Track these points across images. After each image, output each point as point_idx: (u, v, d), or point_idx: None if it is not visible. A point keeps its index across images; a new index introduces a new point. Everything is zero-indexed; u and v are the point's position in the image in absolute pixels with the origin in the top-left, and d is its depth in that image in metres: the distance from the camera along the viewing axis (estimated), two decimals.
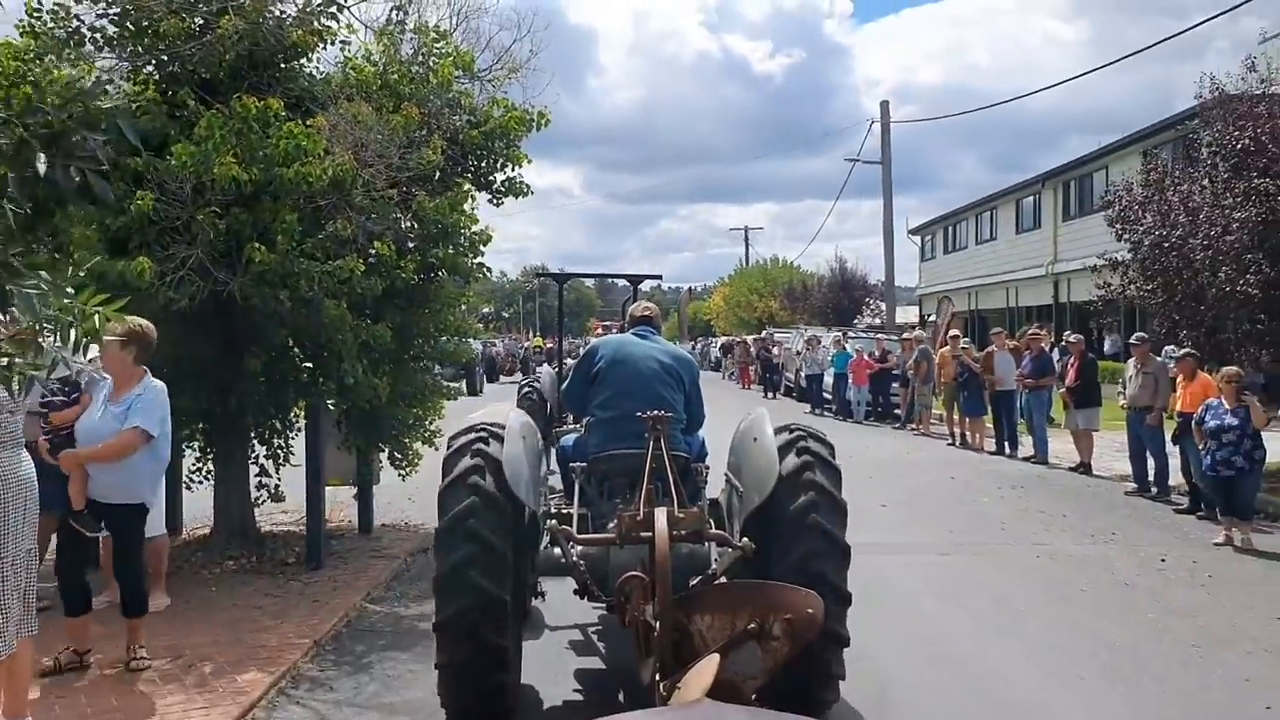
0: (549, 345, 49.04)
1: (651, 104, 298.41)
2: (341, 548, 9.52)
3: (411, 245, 9.16)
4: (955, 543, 10.08)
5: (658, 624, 4.35)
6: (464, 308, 10.28)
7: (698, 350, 66.73)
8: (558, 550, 5.34)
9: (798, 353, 30.93)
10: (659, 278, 14.95)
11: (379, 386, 8.50)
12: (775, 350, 33.28)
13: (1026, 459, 16.79)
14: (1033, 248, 35.65)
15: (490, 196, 10.33)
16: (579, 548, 5.25)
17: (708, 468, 6.18)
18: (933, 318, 44.13)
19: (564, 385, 6.90)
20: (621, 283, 14.92)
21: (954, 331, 21.15)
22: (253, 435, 9.24)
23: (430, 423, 9.99)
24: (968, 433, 19.04)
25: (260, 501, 9.43)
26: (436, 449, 9.99)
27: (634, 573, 4.59)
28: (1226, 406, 10.21)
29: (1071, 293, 33.13)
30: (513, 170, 10.18)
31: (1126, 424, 13.70)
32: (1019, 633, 7.12)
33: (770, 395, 32.88)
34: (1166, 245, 13.15)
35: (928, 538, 10.32)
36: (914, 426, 21.79)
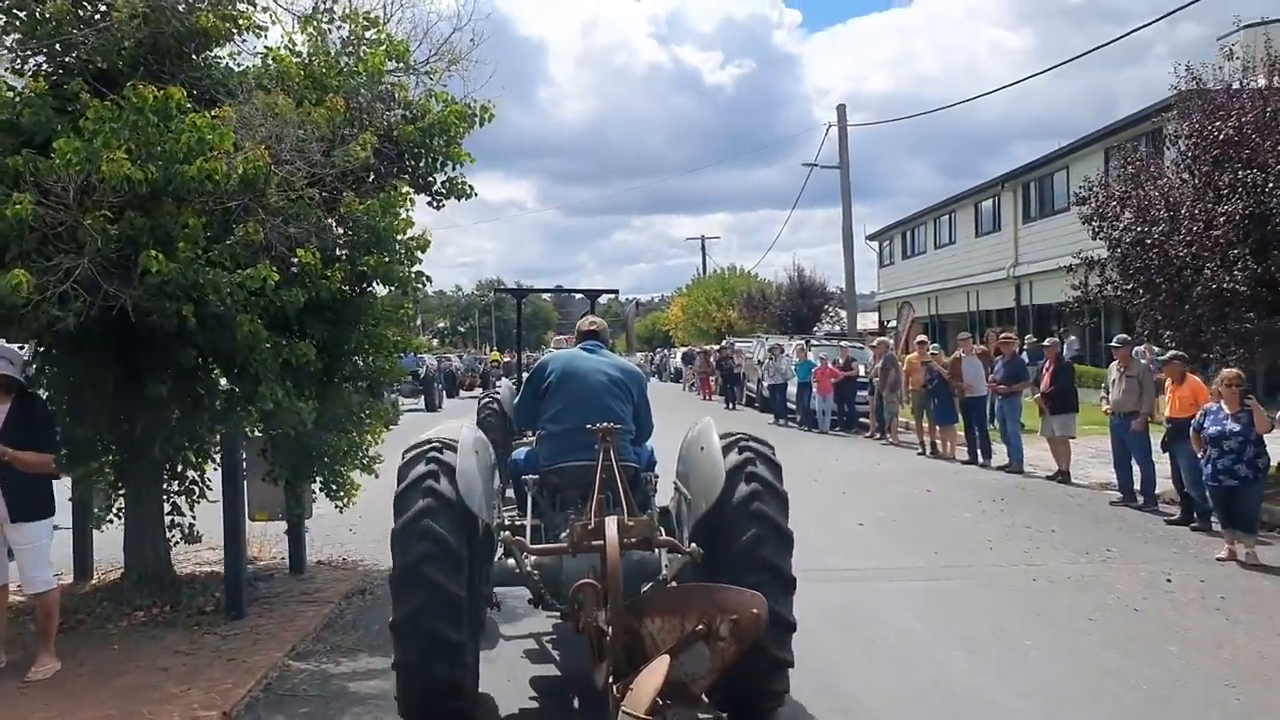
0: (507, 360, 49.00)
1: (603, 115, 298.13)
2: (269, 590, 8.56)
3: (340, 253, 8.26)
4: (943, 565, 9.31)
5: (610, 629, 4.48)
6: (405, 320, 9.37)
7: (657, 361, 66.20)
8: (512, 561, 5.48)
9: (760, 362, 30.22)
10: (615, 292, 14.50)
11: (304, 411, 7.57)
12: (737, 360, 32.50)
13: (1001, 468, 16.13)
14: (993, 251, 35.24)
15: (430, 199, 9.46)
16: (533, 558, 5.37)
17: (657, 477, 6.31)
18: (893, 324, 43.75)
19: (515, 400, 7.00)
20: (579, 296, 15.04)
21: (921, 337, 20.47)
22: (166, 469, 8.27)
23: (368, 448, 9.07)
24: (938, 441, 18.37)
25: (176, 542, 8.45)
26: (376, 476, 9.11)
27: (587, 580, 4.71)
28: (1227, 411, 9.53)
29: (1034, 295, 32.73)
30: (454, 169, 9.32)
31: (1110, 430, 13.05)
32: (1028, 672, 6.33)
33: (731, 406, 32.12)
34: (1149, 242, 12.50)
35: (912, 560, 9.54)
36: (879, 436, 21.10)
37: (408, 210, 8.56)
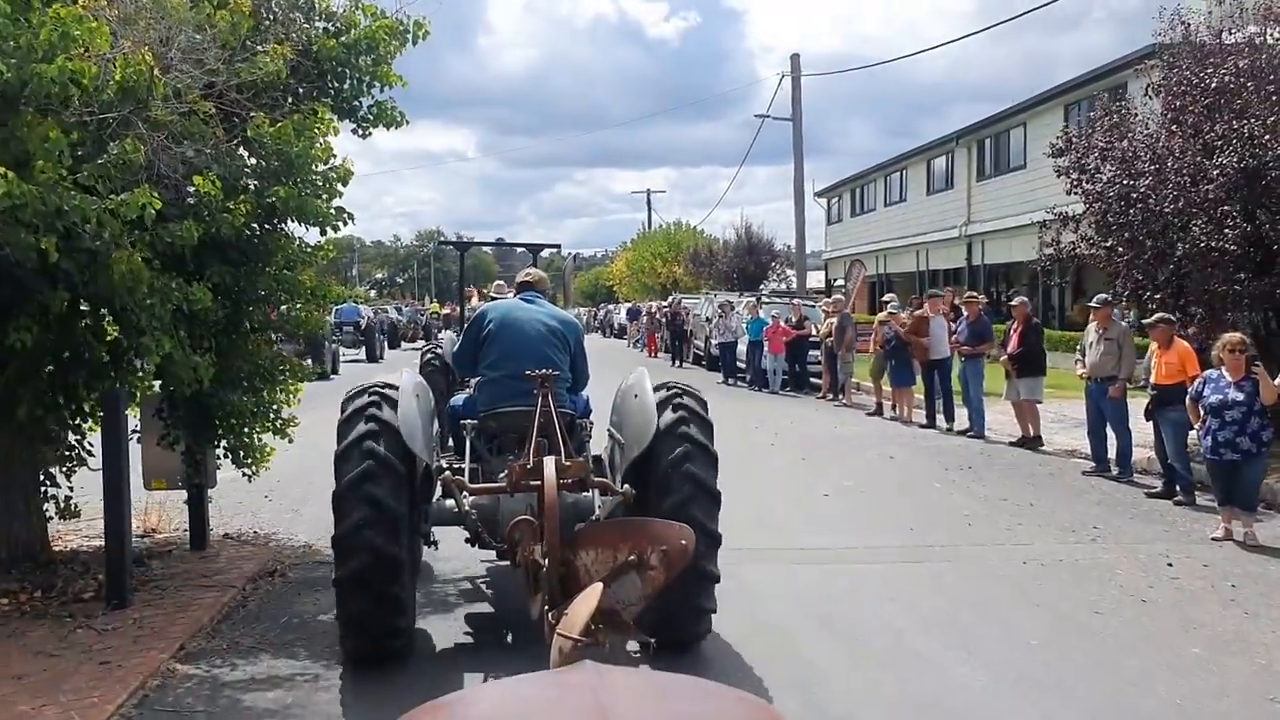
0: (447, 311, 48.85)
1: (545, 66, 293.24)
2: (164, 571, 7.46)
3: (247, 183, 7.11)
4: (922, 545, 8.47)
5: (546, 562, 4.72)
6: (325, 264, 8.27)
7: (600, 317, 65.12)
8: (451, 501, 5.76)
9: (708, 319, 29.31)
10: (558, 247, 14.44)
11: (201, 366, 6.47)
12: (687, 316, 31.53)
13: (961, 432, 15.41)
14: (945, 209, 34.57)
15: (355, 125, 8.32)
16: (471, 498, 5.56)
17: (592, 424, 6.57)
18: (839, 282, 43.13)
19: (455, 348, 7.11)
20: (520, 250, 14.95)
21: (888, 296, 19.63)
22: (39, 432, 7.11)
23: (280, 408, 7.99)
24: (895, 404, 17.63)
25: (51, 517, 7.32)
26: (290, 441, 8.05)
27: (524, 517, 5.04)
28: (1229, 379, 8.77)
29: (986, 255, 32.17)
30: (382, 92, 8.19)
31: (1085, 396, 12.32)
32: (1041, 681, 5.47)
33: (679, 364, 31.23)
34: (1134, 197, 11.71)
35: (888, 539, 8.68)
36: (832, 397, 20.33)
37: (327, 136, 7.44)
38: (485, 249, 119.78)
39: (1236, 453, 8.60)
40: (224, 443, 7.82)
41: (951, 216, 33.71)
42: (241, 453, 7.92)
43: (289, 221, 7.58)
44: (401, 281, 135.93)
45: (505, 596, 6.96)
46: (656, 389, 5.94)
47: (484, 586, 7.38)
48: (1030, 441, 14.15)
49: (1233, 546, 8.46)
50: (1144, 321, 10.99)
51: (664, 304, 38.31)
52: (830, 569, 7.66)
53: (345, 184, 7.56)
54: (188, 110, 6.00)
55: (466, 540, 5.94)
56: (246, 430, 7.87)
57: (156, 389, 7.22)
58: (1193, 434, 10.85)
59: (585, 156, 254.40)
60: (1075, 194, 13.50)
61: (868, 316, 27.48)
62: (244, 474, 8.03)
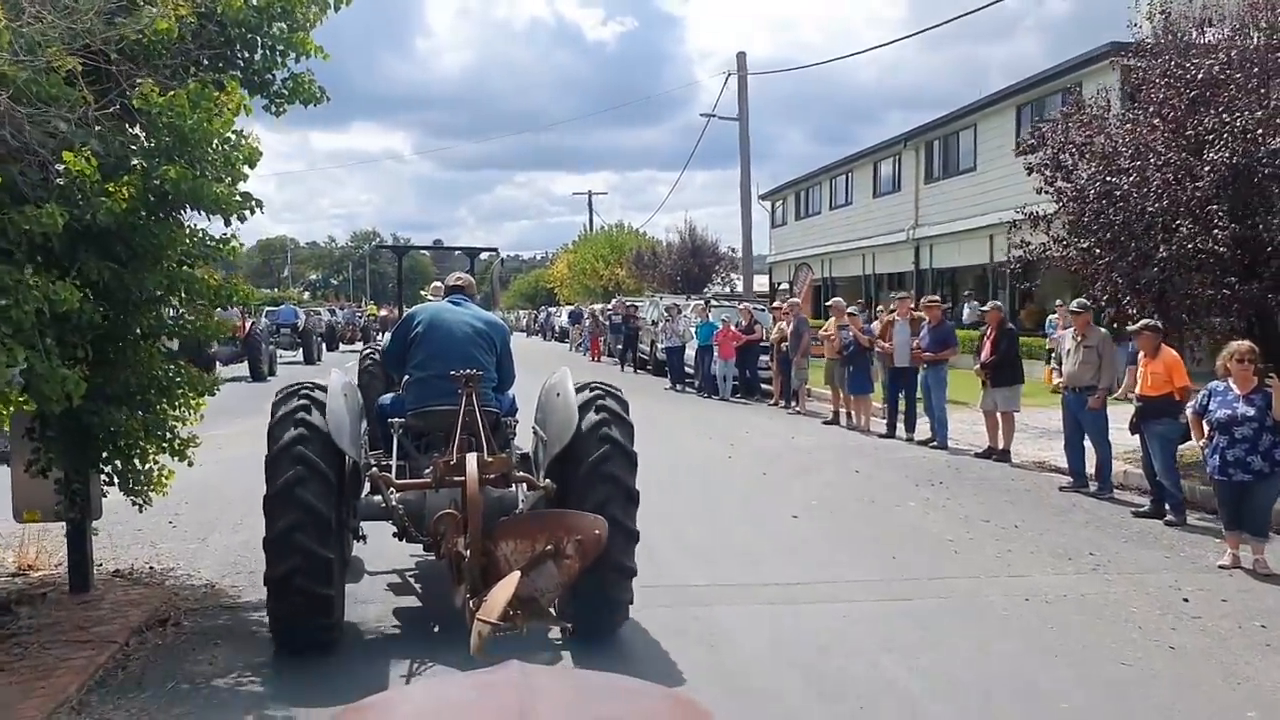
0: (384, 313, 49.26)
1: (483, 68, 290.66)
2: (35, 621, 6.31)
3: (135, 162, 6.02)
4: (908, 578, 7.58)
5: (468, 553, 5.08)
6: (230, 259, 7.16)
7: (540, 320, 63.99)
8: (378, 497, 5.94)
9: (653, 323, 28.38)
10: (495, 250, 14.80)
11: (70, 379, 5.36)
12: (639, 319, 30.44)
13: (923, 443, 14.64)
14: (892, 212, 33.99)
15: (267, 101, 7.25)
16: (398, 494, 5.81)
17: (517, 421, 6.77)
18: (783, 286, 42.47)
19: (384, 348, 7.28)
20: (457, 253, 14.74)
21: (837, 300, 18.81)
22: None
23: (176, 426, 6.88)
24: (853, 412, 16.83)
25: None
26: (190, 464, 6.95)
27: (447, 510, 5.37)
28: (1237, 391, 8.03)
29: (934, 259, 31.64)
30: (298, 63, 7.12)
31: (1062, 406, 11.57)
32: None
33: (633, 369, 30.20)
34: (1117, 195, 10.98)
35: (869, 570, 7.79)
36: (785, 404, 19.49)
37: (238, 114, 6.36)
38: (423, 252, 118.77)
39: (1248, 473, 7.85)
40: (108, 467, 6.69)
41: (899, 220, 33.14)
42: (131, 479, 6.80)
43: (186, 209, 6.50)
44: (336, 283, 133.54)
45: (432, 590, 7.06)
46: (579, 389, 6.08)
47: (412, 580, 7.49)
48: (999, 454, 13.42)
49: (1244, 576, 7.70)
50: (1129, 328, 10.25)
51: (607, 307, 37.32)
52: (810, 610, 6.74)
53: (252, 165, 6.49)
54: (45, 67, 4.91)
55: (394, 535, 6.07)
56: (137, 452, 6.76)
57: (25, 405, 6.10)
58: (1184, 448, 10.20)
59: (524, 159, 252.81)
60: (1047, 193, 12.77)
61: (814, 321, 26.80)
62: (134, 504, 6.90)
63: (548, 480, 5.80)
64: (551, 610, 5.07)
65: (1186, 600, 6.99)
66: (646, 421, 17.75)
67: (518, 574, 4.75)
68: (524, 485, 5.89)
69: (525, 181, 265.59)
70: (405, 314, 6.87)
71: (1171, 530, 9.36)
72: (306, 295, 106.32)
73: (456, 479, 5.40)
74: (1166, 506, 9.83)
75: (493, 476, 5.56)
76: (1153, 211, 10.86)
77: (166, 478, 7.18)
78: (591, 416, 5.87)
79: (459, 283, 7.02)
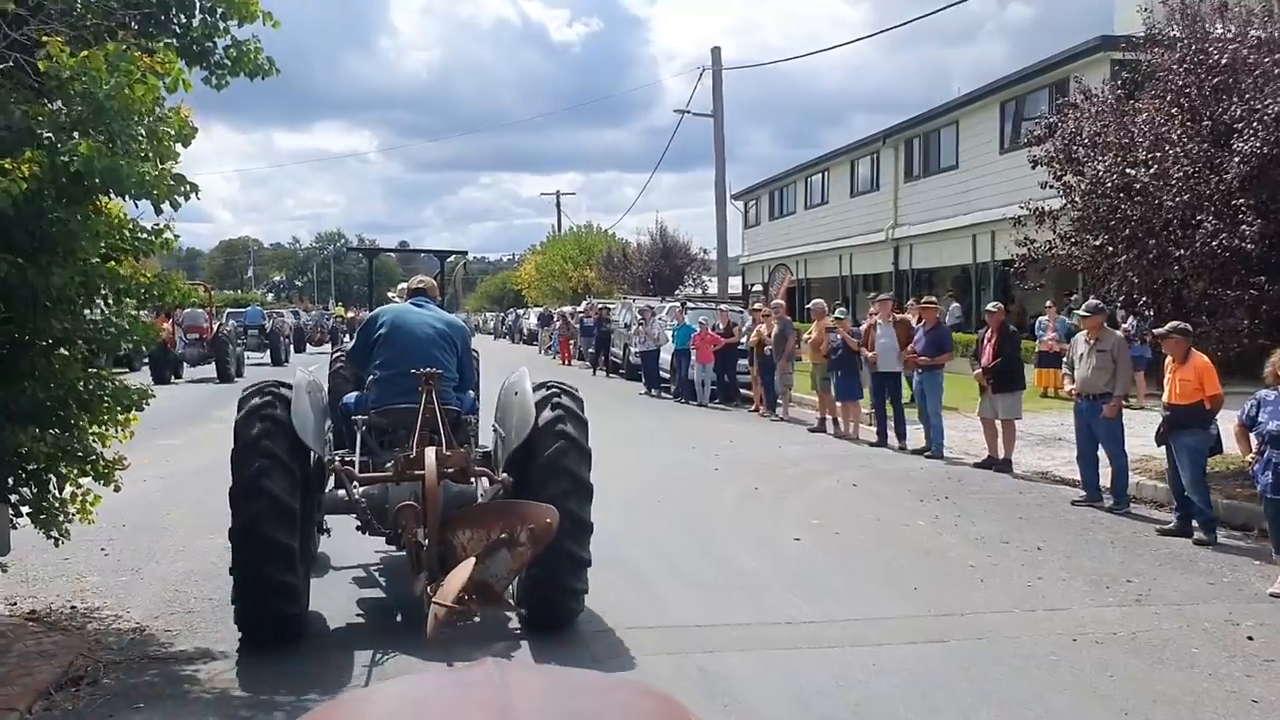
0: (352, 315, 48.98)
1: (448, 68, 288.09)
2: None
3: (43, 135, 5.09)
4: (937, 613, 6.74)
5: (426, 542, 5.36)
6: (164, 252, 6.24)
7: (508, 323, 62.97)
8: (342, 491, 6.23)
9: (626, 326, 27.51)
10: (464, 253, 15.20)
11: None
12: (612, 322, 29.54)
13: (917, 452, 13.88)
14: (870, 211, 33.31)
15: (207, 73, 6.33)
16: (361, 487, 6.05)
17: (478, 419, 6.98)
18: (756, 287, 41.67)
19: (349, 347, 7.51)
20: (423, 255, 15.47)
21: (821, 302, 18.01)
22: None
23: (94, 444, 5.94)
24: (840, 419, 16.03)
25: None
26: (117, 489, 6.01)
27: (407, 503, 5.63)
28: None
29: (914, 259, 30.97)
30: (241, 28, 6.20)
31: (1075, 415, 10.82)
32: None
33: (606, 373, 29.33)
34: (1137, 188, 10.22)
35: (892, 605, 6.93)
36: (767, 411, 18.66)
37: (161, 79, 5.43)
38: (391, 254, 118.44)
39: None
40: (17, 495, 5.74)
41: (877, 219, 32.46)
42: (45, 508, 5.85)
43: (110, 194, 5.57)
44: (301, 285, 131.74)
45: (395, 582, 7.13)
46: (536, 388, 6.32)
47: (376, 574, 7.64)
48: (1000, 464, 12.66)
49: None
50: (1156, 332, 9.50)
51: (578, 309, 36.40)
52: (833, 656, 5.88)
53: (185, 143, 5.58)
54: None
55: (357, 528, 6.28)
56: (52, 477, 5.82)
57: None
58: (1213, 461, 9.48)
59: (489, 160, 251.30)
60: (1053, 187, 12.02)
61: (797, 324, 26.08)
62: (49, 536, 5.94)
63: (505, 474, 6.02)
64: (506, 597, 5.48)
65: (1251, 639, 6.19)
66: (624, 431, 16.97)
67: (473, 560, 5.02)
68: (483, 480, 6.14)
69: (490, 183, 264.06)
70: (369, 315, 7.05)
71: (1204, 551, 8.60)
72: (270, 297, 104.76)
73: (416, 472, 5.60)
74: (1194, 524, 9.10)
75: (451, 471, 5.80)
76: (1172, 206, 10.11)
77: (92, 504, 6.26)
78: (548, 413, 6.11)
79: (421, 285, 7.24)
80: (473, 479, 6.09)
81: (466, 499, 6.08)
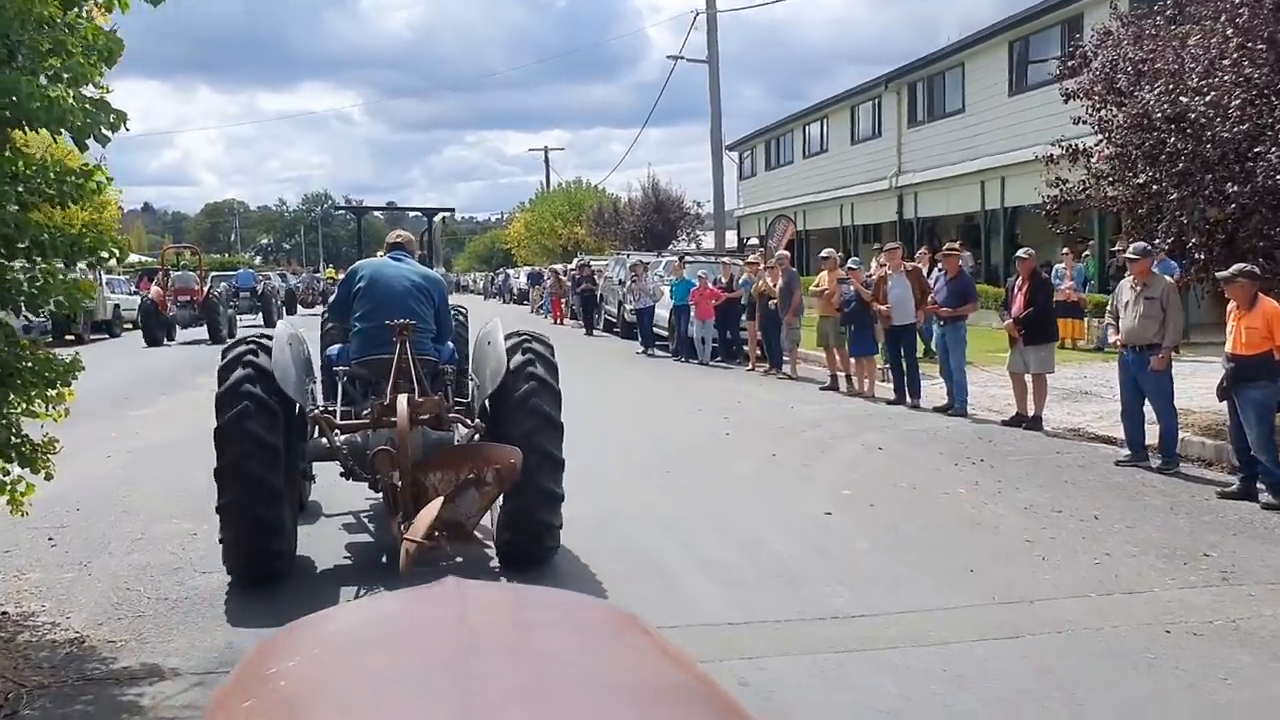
0: (342, 277, 46.50)
1: (431, 26, 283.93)
2: None
3: None
4: (1002, 600, 5.86)
5: (400, 484, 5.61)
6: (94, 197, 5.28)
7: (498, 282, 61.94)
8: (325, 439, 6.53)
9: (620, 282, 26.53)
10: (451, 210, 16.18)
11: None
12: (600, 281, 28.59)
13: (939, 409, 13.01)
14: (872, 159, 32.23)
15: None
16: (342, 435, 6.32)
17: (455, 369, 7.09)
18: (752, 240, 40.62)
19: (331, 301, 7.46)
20: (413, 214, 15.30)
21: (827, 252, 17.00)
22: None
23: (19, 422, 5.02)
24: (853, 376, 15.14)
25: None
26: (50, 474, 5.12)
27: (382, 447, 5.79)
28: None
29: (919, 207, 29.98)
30: None
31: (1120, 366, 9.95)
32: None
33: (589, 331, 28.44)
34: (1191, 117, 9.26)
35: (950, 593, 6.03)
36: (772, 369, 17.75)
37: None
38: (377, 214, 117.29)
39: None
40: None
41: (880, 167, 31.40)
42: None
43: (25, 128, 4.59)
44: (288, 247, 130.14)
45: (383, 528, 7.08)
46: (508, 337, 6.55)
47: (366, 519, 7.82)
48: (1030, 421, 11.80)
49: None
50: (1220, 275, 8.59)
51: (570, 267, 35.39)
52: (895, 660, 4.99)
53: (110, 62, 4.60)
54: None
55: (340, 474, 6.56)
56: None
57: None
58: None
59: (475, 119, 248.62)
60: (1087, 122, 11.06)
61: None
62: None
63: (478, 421, 6.42)
64: (476, 534, 5.97)
65: None
66: (623, 393, 16.03)
67: (439, 500, 5.30)
68: (460, 426, 6.36)
69: (476, 141, 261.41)
70: (349, 270, 7.11)
71: (1276, 516, 7.78)
72: (258, 260, 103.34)
73: (392, 419, 5.78)
74: (1260, 485, 8.26)
75: (426, 417, 6.00)
76: (1228, 138, 9.17)
77: (24, 493, 5.36)
78: (519, 358, 6.37)
79: (399, 239, 7.37)
80: (449, 426, 6.30)
81: (444, 445, 6.25)
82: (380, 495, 6.40)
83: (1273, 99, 9.05)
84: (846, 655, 5.01)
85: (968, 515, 7.90)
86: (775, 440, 11.13)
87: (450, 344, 7.21)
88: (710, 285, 20.02)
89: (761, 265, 18.70)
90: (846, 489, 8.76)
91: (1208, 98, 9.19)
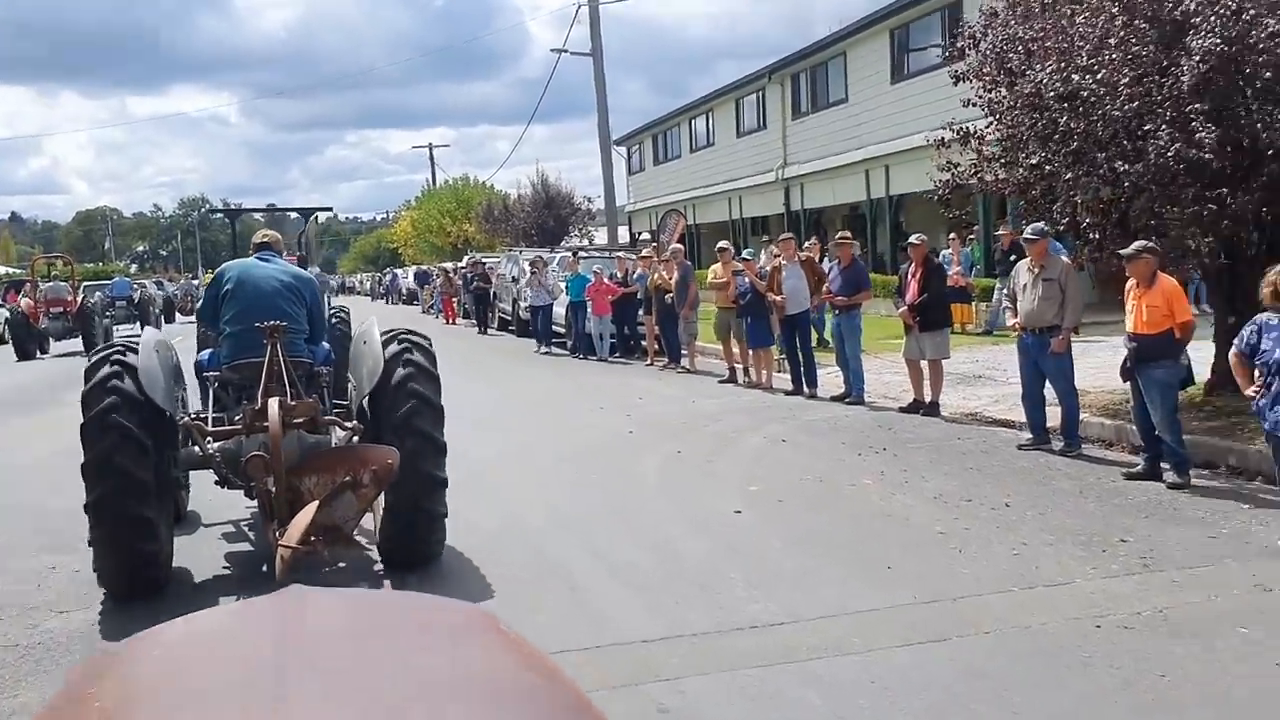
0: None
1: (307, 23, 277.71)
2: None
3: None
4: (924, 599, 5.59)
5: (275, 490, 5.51)
6: None
7: (385, 283, 60.64)
8: (198, 448, 6.31)
9: (514, 279, 25.99)
10: (330, 209, 14.86)
11: None
12: (494, 280, 27.96)
13: (837, 399, 12.90)
14: (758, 152, 32.25)
15: None
16: (215, 442, 6.19)
17: (332, 371, 7.02)
18: (644, 235, 40.38)
19: (199, 306, 7.53)
20: (294, 215, 14.79)
21: (723, 244, 16.78)
22: None
23: None
24: (751, 368, 14.95)
25: None
26: None
27: (256, 453, 5.63)
28: None
29: (805, 199, 30.07)
30: None
31: (1019, 350, 9.89)
32: None
33: (483, 331, 27.81)
34: (1084, 95, 9.19)
35: (870, 594, 5.74)
36: (671, 363, 17.47)
37: None
38: (257, 215, 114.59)
39: None
40: None
41: (766, 159, 31.43)
42: None
43: None
44: (165, 254, 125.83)
45: (263, 536, 6.79)
46: (388, 339, 6.42)
47: (246, 529, 7.58)
48: (928, 407, 11.74)
49: None
50: (1123, 253, 8.53)
51: (461, 265, 34.65)
52: (820, 672, 4.66)
53: None
54: None
55: (215, 482, 6.45)
56: None
57: None
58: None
59: (356, 117, 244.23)
60: (976, 104, 10.97)
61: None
62: None
63: (355, 422, 6.32)
64: (357, 537, 5.84)
65: None
66: (523, 393, 15.49)
67: (314, 505, 5.23)
68: (336, 428, 6.25)
69: (358, 141, 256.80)
70: (216, 272, 6.98)
71: (1183, 496, 7.74)
72: (134, 268, 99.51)
73: (264, 424, 5.64)
74: (1164, 465, 8.24)
75: (301, 421, 5.85)
76: (1119, 116, 9.13)
77: None
78: (400, 371, 6.23)
79: (265, 239, 7.20)
80: (326, 428, 6.18)
81: (321, 449, 6.12)
82: (250, 497, 6.34)
83: (1159, 77, 9.03)
84: (769, 670, 4.67)
85: (877, 507, 7.68)
86: (678, 436, 10.81)
87: (325, 345, 7.08)
88: (606, 281, 19.67)
89: (656, 259, 18.41)
90: (753, 484, 8.47)
91: (1099, 75, 9.13)
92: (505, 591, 5.91)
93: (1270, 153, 8.51)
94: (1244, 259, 9.69)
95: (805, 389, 13.62)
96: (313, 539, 5.12)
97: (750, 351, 14.88)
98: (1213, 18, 8.62)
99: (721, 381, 15.32)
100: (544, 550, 6.71)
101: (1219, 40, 8.53)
